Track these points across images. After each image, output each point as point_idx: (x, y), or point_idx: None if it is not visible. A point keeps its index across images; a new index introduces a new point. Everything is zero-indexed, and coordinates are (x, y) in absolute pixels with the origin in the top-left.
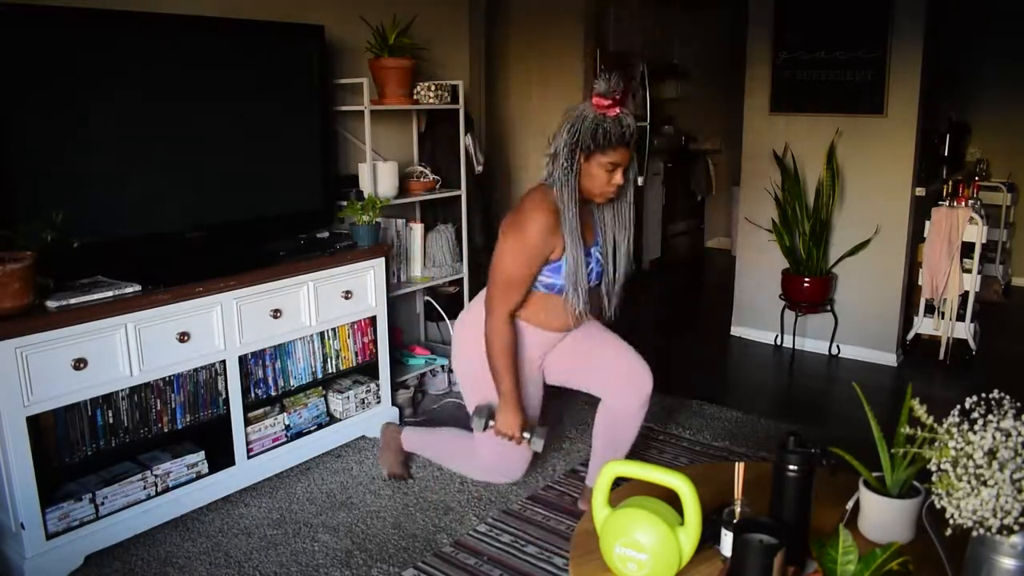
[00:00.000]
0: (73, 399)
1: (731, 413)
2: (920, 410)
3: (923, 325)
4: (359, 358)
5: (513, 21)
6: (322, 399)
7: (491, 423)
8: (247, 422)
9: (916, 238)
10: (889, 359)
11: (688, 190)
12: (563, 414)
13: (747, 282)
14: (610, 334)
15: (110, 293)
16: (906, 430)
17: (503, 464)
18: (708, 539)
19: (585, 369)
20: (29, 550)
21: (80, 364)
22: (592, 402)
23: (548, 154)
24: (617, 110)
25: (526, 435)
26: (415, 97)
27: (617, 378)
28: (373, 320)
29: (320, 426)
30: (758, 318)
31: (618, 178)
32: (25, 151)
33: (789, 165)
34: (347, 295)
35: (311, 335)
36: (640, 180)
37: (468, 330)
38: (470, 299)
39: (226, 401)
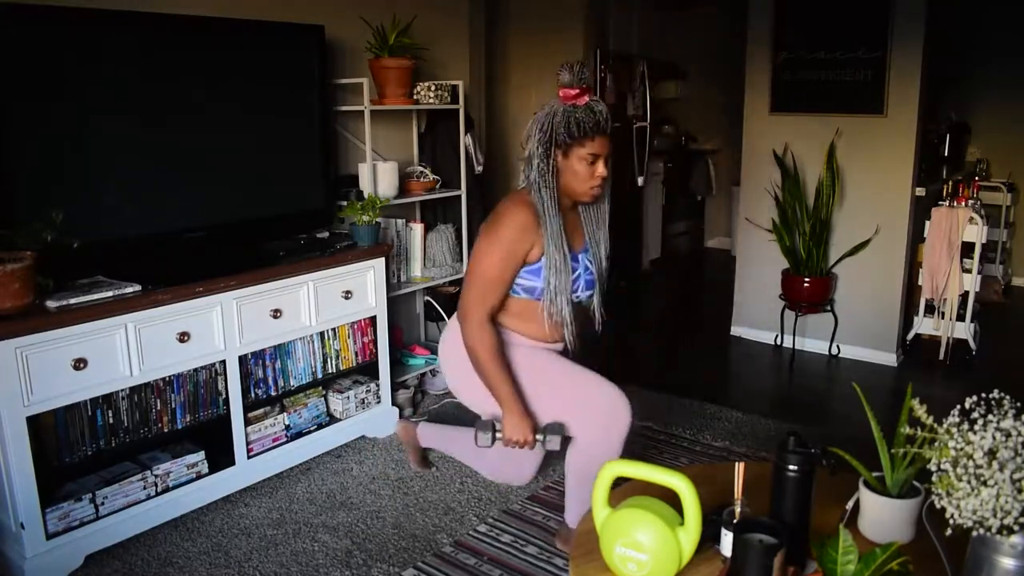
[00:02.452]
0: (73, 399)
1: (731, 413)
2: (920, 410)
3: (923, 325)
4: (359, 358)
5: (513, 21)
6: (322, 399)
7: (498, 435)
8: (247, 422)
9: (916, 238)
10: (889, 359)
11: (688, 190)
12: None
13: (747, 282)
14: (587, 370)
15: (110, 293)
16: (906, 430)
17: (513, 467)
18: (708, 539)
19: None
20: (29, 550)
21: (80, 364)
22: None
23: (522, 159)
24: (586, 98)
25: (538, 437)
26: (415, 97)
27: (595, 412)
28: (373, 320)
29: (320, 426)
30: (758, 318)
31: (601, 170)
32: (25, 151)
33: (789, 165)
34: (347, 295)
35: (311, 335)
36: (640, 180)
37: (455, 355)
38: None
39: (226, 401)
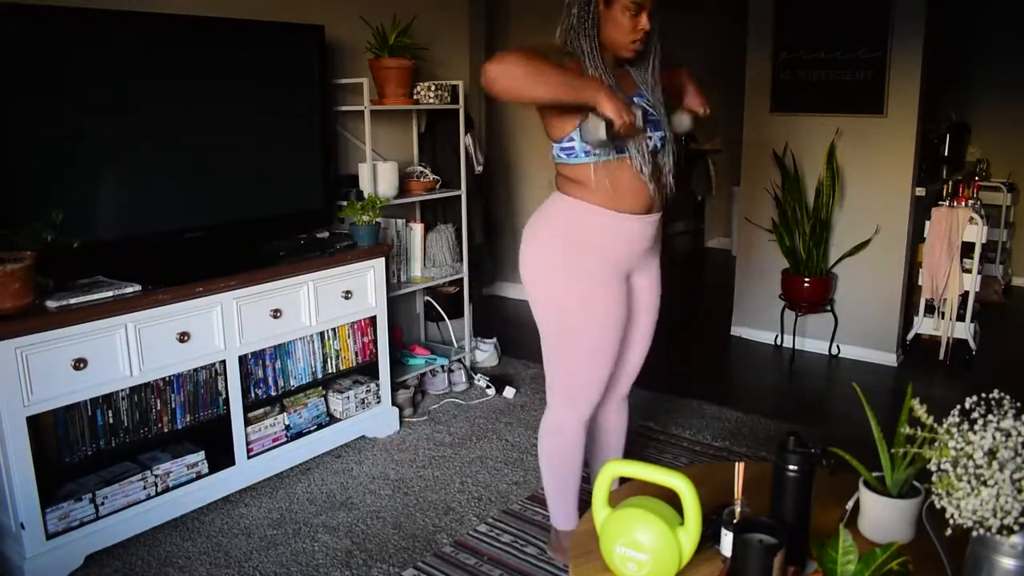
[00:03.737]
0: (73, 399)
1: (731, 413)
2: (920, 410)
3: (923, 325)
4: (359, 358)
5: (513, 21)
6: (322, 399)
7: (599, 127)
8: (247, 422)
9: (916, 238)
10: (889, 359)
11: (688, 190)
12: None
13: (747, 282)
14: (651, 332)
15: (110, 293)
16: (906, 430)
17: (572, 398)
18: (708, 539)
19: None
20: (29, 550)
21: (80, 364)
22: None
23: (564, 12)
24: None
25: (635, 111)
26: (415, 97)
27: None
28: (373, 320)
29: (320, 426)
30: (758, 318)
31: (644, 22)
32: (25, 151)
33: (789, 165)
34: (347, 295)
35: (311, 335)
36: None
37: (531, 245)
38: (470, 299)
39: (226, 401)
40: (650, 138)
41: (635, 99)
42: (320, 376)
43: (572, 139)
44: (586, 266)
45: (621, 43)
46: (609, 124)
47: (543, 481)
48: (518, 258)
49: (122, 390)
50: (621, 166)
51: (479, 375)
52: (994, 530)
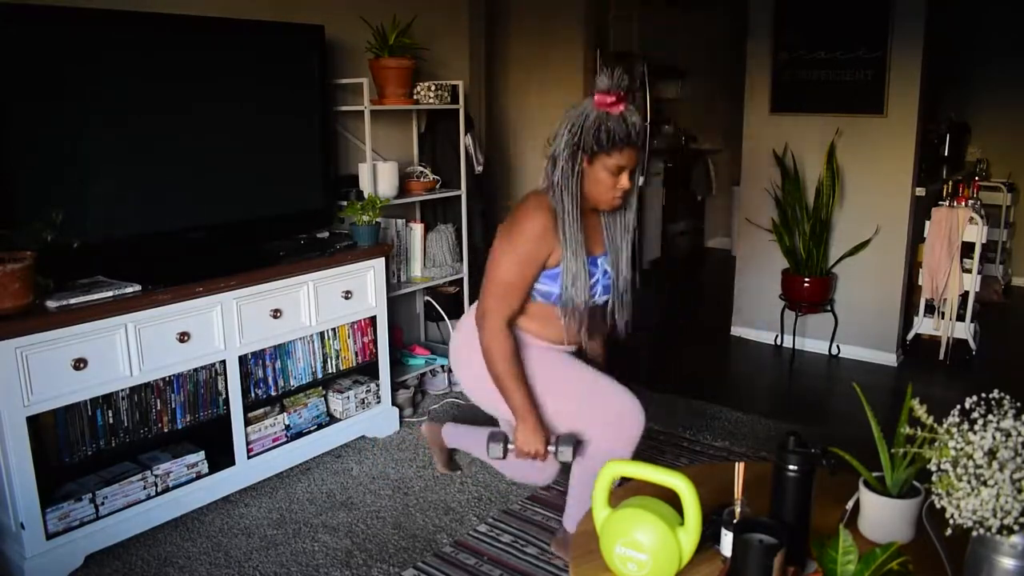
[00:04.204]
0: (73, 399)
1: (731, 413)
2: (920, 410)
3: (923, 325)
4: (359, 358)
5: (513, 21)
6: (322, 399)
7: (509, 447)
8: (247, 422)
9: (916, 238)
10: (889, 359)
11: (688, 190)
12: None
13: (747, 282)
14: (602, 374)
15: (110, 293)
16: (906, 430)
17: (535, 470)
18: (708, 539)
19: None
20: (29, 550)
21: (80, 364)
22: None
23: (547, 156)
24: (621, 107)
25: (551, 448)
26: (415, 97)
27: (606, 417)
28: (373, 320)
29: (320, 426)
30: (758, 318)
31: (624, 182)
32: (25, 151)
33: (789, 165)
34: (347, 295)
35: (311, 335)
36: (641, 180)
37: (468, 355)
38: (470, 299)
39: (226, 401)
40: (597, 300)
41: (599, 259)
42: (320, 376)
43: (547, 283)
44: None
45: (600, 199)
46: (507, 449)
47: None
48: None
49: (122, 390)
50: (560, 313)
51: None
52: (994, 530)
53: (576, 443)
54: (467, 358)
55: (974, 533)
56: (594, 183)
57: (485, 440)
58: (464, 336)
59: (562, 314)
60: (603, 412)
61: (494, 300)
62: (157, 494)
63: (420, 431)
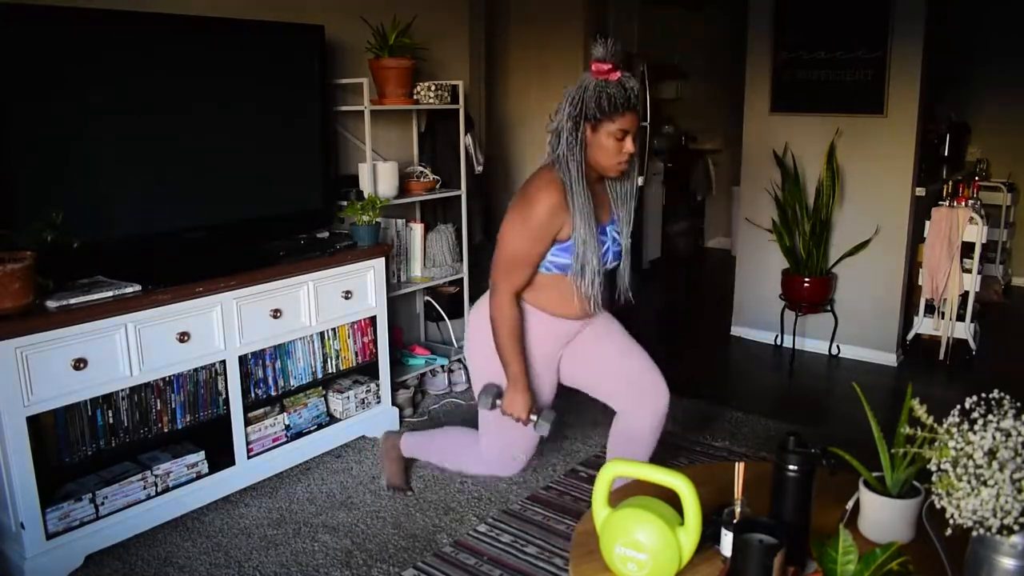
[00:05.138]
0: (73, 399)
1: (731, 413)
2: (920, 410)
3: (923, 325)
4: (359, 358)
5: (513, 21)
6: (322, 399)
7: (498, 402)
8: (247, 422)
9: (916, 238)
10: (889, 359)
11: (688, 190)
12: (563, 412)
13: (747, 282)
14: (630, 340)
15: (110, 293)
16: (906, 430)
17: (506, 453)
18: (708, 539)
19: (601, 375)
20: (29, 550)
21: (80, 364)
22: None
23: (550, 130)
24: (618, 74)
25: (533, 417)
26: (415, 97)
27: (632, 393)
28: (373, 320)
29: (320, 426)
30: (758, 318)
31: (629, 146)
32: (25, 151)
33: (789, 165)
34: (347, 295)
35: (311, 335)
36: (640, 180)
37: (481, 320)
38: (470, 300)
39: (226, 401)
40: (608, 265)
41: (607, 227)
42: (320, 376)
43: (561, 255)
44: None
45: (607, 165)
46: (495, 403)
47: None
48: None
49: (122, 390)
50: (569, 281)
51: None
52: (994, 530)
53: (554, 420)
54: (478, 325)
55: (974, 533)
56: (600, 150)
57: (443, 436)
58: (480, 310)
59: (577, 285)
60: (629, 382)
61: (503, 274)
62: (157, 494)
63: (382, 440)
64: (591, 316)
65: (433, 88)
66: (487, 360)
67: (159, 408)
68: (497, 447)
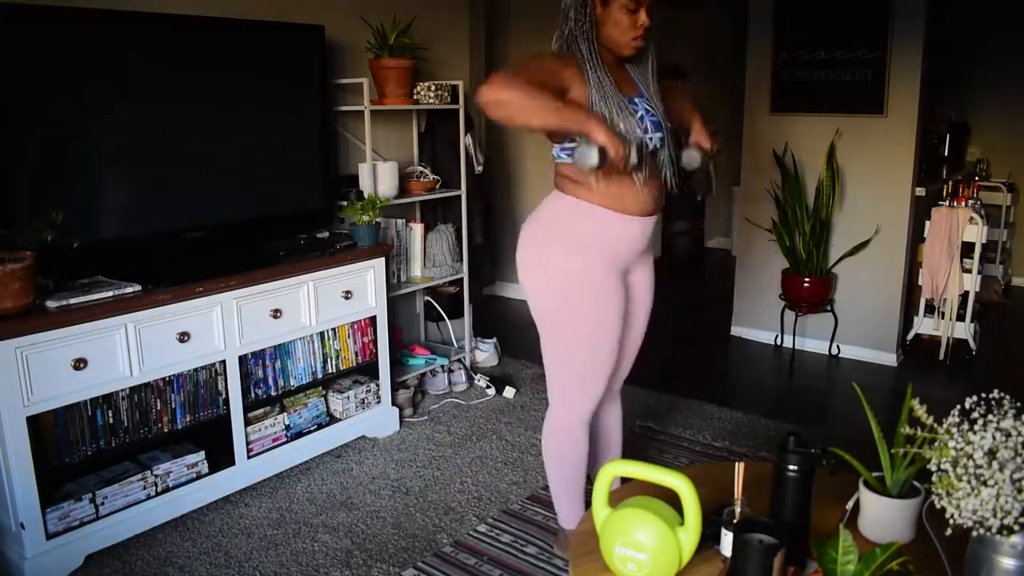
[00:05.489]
0: (73, 399)
1: (731, 413)
2: (920, 410)
3: (923, 325)
4: (359, 358)
5: (513, 21)
6: (322, 399)
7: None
8: (247, 422)
9: (916, 238)
10: (889, 359)
11: (688, 190)
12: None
13: (747, 282)
14: (642, 331)
15: (110, 293)
16: (906, 430)
17: (574, 413)
18: (708, 539)
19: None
20: (29, 550)
21: (80, 364)
22: None
23: (560, 19)
24: None
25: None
26: (415, 97)
27: (610, 385)
28: (373, 320)
29: (320, 426)
30: (758, 318)
31: (643, 18)
32: (25, 151)
33: (789, 165)
34: (347, 295)
35: (311, 335)
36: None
37: (526, 252)
38: (470, 299)
39: (226, 401)
40: (651, 139)
41: (636, 100)
42: (320, 376)
43: (574, 140)
44: (586, 266)
45: (621, 41)
46: (603, 151)
47: (549, 481)
48: (516, 258)
49: (122, 390)
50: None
51: (479, 375)
52: (994, 530)
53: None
54: (532, 251)
55: (974, 533)
56: (613, 26)
57: (551, 471)
58: (528, 230)
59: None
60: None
61: (500, 71)
62: (157, 494)
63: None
64: (652, 214)
65: (433, 88)
66: (544, 288)
67: (159, 408)
68: (566, 395)
